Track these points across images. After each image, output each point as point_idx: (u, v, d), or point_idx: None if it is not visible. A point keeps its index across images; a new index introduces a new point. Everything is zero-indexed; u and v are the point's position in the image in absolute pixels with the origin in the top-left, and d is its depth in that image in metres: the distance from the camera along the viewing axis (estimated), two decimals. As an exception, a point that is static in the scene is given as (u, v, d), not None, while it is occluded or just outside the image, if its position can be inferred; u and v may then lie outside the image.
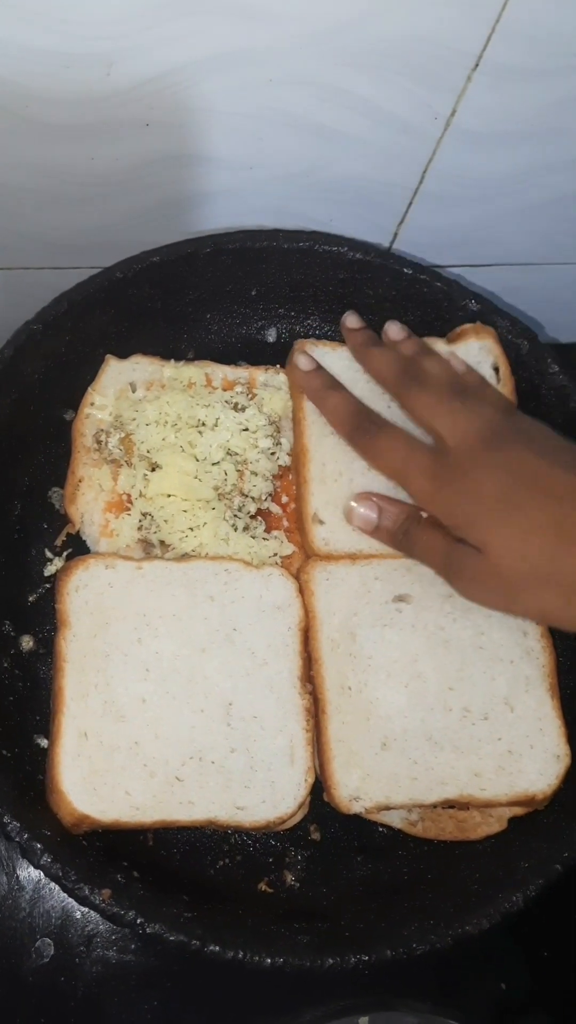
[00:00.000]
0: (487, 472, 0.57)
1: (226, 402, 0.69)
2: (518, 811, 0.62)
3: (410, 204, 0.71)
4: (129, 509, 0.67)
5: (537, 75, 0.58)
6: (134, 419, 0.68)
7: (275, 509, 0.69)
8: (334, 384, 0.67)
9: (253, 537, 0.67)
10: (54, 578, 0.65)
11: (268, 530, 0.68)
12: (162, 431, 0.67)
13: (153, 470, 0.67)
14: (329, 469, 0.67)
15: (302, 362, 0.68)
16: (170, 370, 0.70)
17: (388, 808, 0.61)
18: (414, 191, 0.69)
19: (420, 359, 0.66)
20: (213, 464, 0.67)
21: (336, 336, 0.75)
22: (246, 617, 0.63)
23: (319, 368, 0.68)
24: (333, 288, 0.74)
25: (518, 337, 0.70)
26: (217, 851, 0.63)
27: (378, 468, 0.65)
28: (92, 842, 0.58)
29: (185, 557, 0.65)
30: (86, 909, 0.64)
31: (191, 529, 0.65)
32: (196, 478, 0.66)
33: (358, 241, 0.71)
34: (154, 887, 0.57)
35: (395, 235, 0.75)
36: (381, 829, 0.64)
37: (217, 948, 0.53)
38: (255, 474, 0.68)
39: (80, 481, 0.67)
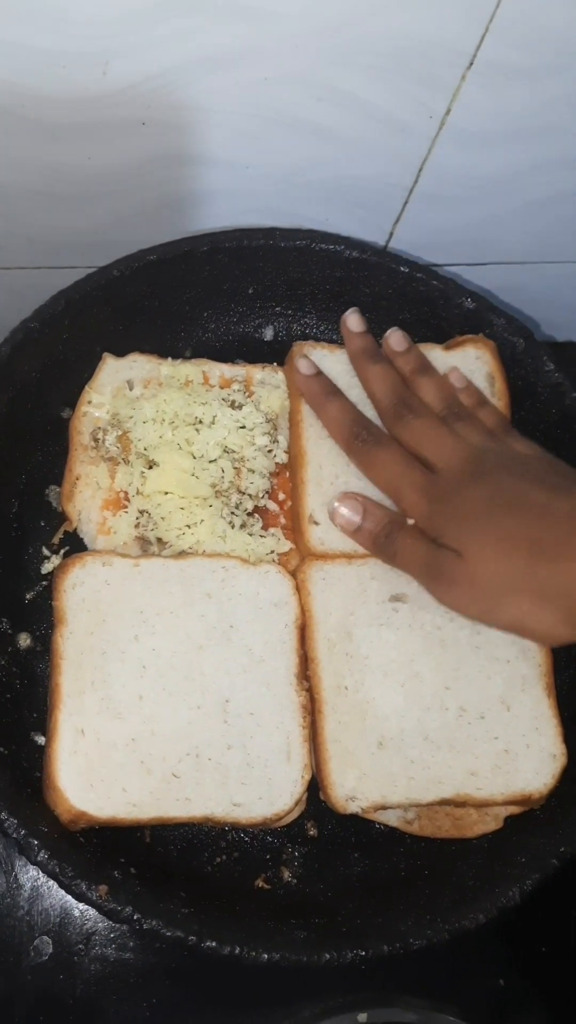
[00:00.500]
0: (471, 492, 0.59)
1: (223, 400, 0.69)
2: (514, 810, 0.63)
3: (406, 203, 0.71)
4: (126, 507, 0.67)
5: (531, 74, 0.58)
6: (131, 417, 0.68)
7: (272, 506, 0.69)
8: (333, 391, 0.68)
9: (250, 534, 0.67)
10: (51, 576, 0.65)
11: (265, 527, 0.68)
12: (159, 429, 0.67)
13: (150, 468, 0.67)
14: (326, 471, 0.67)
15: (302, 366, 0.68)
16: (167, 368, 0.71)
17: (384, 808, 0.61)
18: (410, 190, 0.69)
19: (416, 380, 0.67)
20: (210, 461, 0.67)
21: (333, 335, 0.75)
22: (243, 614, 0.63)
23: (319, 374, 0.68)
24: (330, 286, 0.74)
25: (514, 335, 0.71)
26: (214, 848, 0.63)
27: (373, 480, 0.65)
28: (89, 839, 0.58)
29: (182, 554, 0.65)
30: (85, 907, 0.65)
31: (188, 526, 0.66)
32: (193, 475, 0.66)
33: (354, 240, 0.72)
34: (151, 883, 0.57)
35: (391, 234, 0.75)
36: (378, 826, 0.64)
37: (214, 944, 0.53)
38: (252, 471, 0.68)
39: (77, 479, 0.67)
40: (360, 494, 0.65)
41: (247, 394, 0.71)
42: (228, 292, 0.74)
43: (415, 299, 0.72)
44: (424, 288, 0.72)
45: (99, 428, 0.68)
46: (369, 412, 0.68)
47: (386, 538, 0.63)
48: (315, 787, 0.61)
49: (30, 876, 0.67)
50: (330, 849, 0.64)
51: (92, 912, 0.65)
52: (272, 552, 0.67)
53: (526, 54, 0.57)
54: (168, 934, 0.53)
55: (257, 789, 0.59)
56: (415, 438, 0.64)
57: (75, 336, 0.69)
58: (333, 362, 0.70)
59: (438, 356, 0.70)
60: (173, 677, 0.60)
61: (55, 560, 0.67)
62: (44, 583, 0.67)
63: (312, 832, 0.64)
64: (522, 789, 0.61)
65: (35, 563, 0.68)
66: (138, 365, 0.71)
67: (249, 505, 0.68)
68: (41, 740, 0.61)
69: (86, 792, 0.57)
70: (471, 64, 0.58)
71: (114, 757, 0.58)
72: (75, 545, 0.68)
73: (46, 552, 0.68)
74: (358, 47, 0.56)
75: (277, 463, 0.70)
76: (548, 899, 0.58)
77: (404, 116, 0.62)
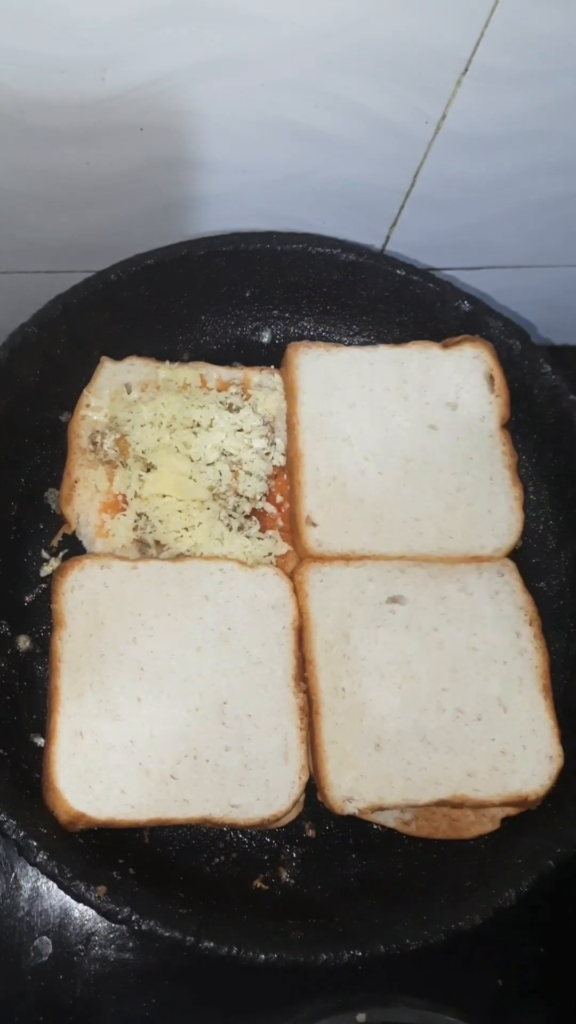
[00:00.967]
0: None
1: (221, 403, 0.70)
2: (511, 811, 0.63)
3: (402, 207, 0.71)
4: (124, 510, 0.67)
5: (526, 79, 0.59)
6: (129, 420, 0.68)
7: (270, 509, 0.69)
8: None
9: (248, 537, 0.67)
10: (50, 578, 0.65)
11: (263, 530, 0.68)
12: (157, 432, 0.68)
13: (148, 471, 0.67)
14: (323, 473, 0.67)
15: None
16: (165, 371, 0.71)
17: (382, 809, 0.61)
18: (406, 194, 0.69)
19: None
20: (208, 464, 0.68)
21: (330, 337, 0.76)
22: (241, 616, 0.63)
23: None
24: (327, 289, 0.74)
25: (510, 337, 0.71)
26: (213, 848, 0.63)
27: None
28: (88, 840, 0.58)
29: (180, 557, 0.65)
30: (84, 907, 0.65)
31: (186, 529, 0.66)
32: (191, 478, 0.67)
33: (351, 243, 0.72)
34: (150, 884, 0.57)
35: (387, 238, 0.75)
36: (375, 827, 0.64)
37: (212, 944, 0.53)
38: (250, 474, 0.68)
39: (76, 482, 0.68)
40: None
41: (244, 397, 0.71)
42: (225, 296, 0.75)
43: (412, 302, 0.73)
44: (421, 291, 0.72)
45: (97, 431, 0.69)
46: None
47: None
48: (313, 788, 0.61)
49: (30, 877, 0.67)
50: (328, 850, 0.64)
51: (92, 913, 0.65)
52: (270, 554, 0.67)
53: (520, 60, 0.57)
54: (166, 934, 0.53)
55: (255, 790, 0.60)
56: None
57: (73, 340, 0.69)
58: (330, 361, 0.70)
59: (437, 355, 0.70)
60: (171, 679, 0.61)
61: (54, 563, 0.68)
62: (43, 586, 0.67)
63: (310, 833, 0.64)
64: (519, 790, 0.61)
65: (34, 566, 0.68)
66: (136, 369, 0.71)
67: (247, 508, 0.68)
68: (40, 742, 0.61)
69: (85, 793, 0.57)
70: (466, 70, 0.58)
71: (112, 759, 0.58)
72: (74, 548, 0.68)
73: (45, 555, 0.68)
74: (354, 53, 0.57)
75: (275, 466, 0.70)
76: (545, 899, 0.58)
77: (400, 121, 0.62)
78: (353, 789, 0.60)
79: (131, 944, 0.66)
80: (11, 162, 0.63)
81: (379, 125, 0.62)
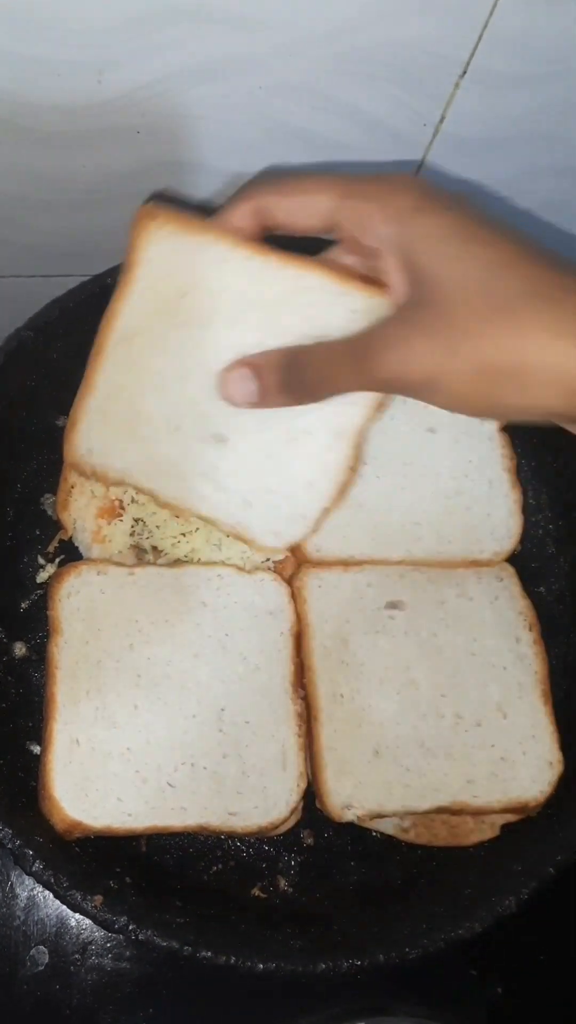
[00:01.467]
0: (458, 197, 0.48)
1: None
2: (511, 818, 0.62)
3: (400, 210, 0.71)
4: (121, 515, 0.67)
5: (524, 82, 0.59)
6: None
7: (268, 514, 0.69)
8: None
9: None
10: (47, 585, 0.65)
11: (260, 535, 0.68)
12: (154, 437, 0.67)
13: (145, 476, 0.67)
14: None
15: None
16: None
17: (381, 816, 0.61)
18: (404, 197, 0.69)
19: None
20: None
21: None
22: (238, 622, 0.63)
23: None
24: (326, 293, 0.74)
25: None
26: (210, 857, 0.63)
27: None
28: (85, 848, 0.58)
29: (177, 563, 0.65)
30: (81, 917, 0.64)
31: (183, 535, 0.66)
32: (188, 484, 0.66)
33: (349, 247, 0.71)
34: (147, 893, 0.57)
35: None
36: (374, 834, 0.64)
37: (209, 953, 0.53)
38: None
39: (72, 487, 0.67)
40: (244, 357, 0.54)
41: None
42: (223, 300, 0.74)
43: (410, 306, 0.72)
44: (419, 295, 0.72)
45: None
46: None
47: (298, 380, 0.51)
48: (311, 795, 0.61)
49: (26, 886, 0.67)
50: (326, 857, 0.63)
51: (88, 922, 0.65)
52: (267, 560, 0.67)
53: (519, 63, 0.57)
54: (164, 944, 0.53)
55: (253, 798, 0.59)
56: None
57: (70, 344, 0.68)
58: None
59: None
60: (168, 686, 0.60)
61: (50, 569, 0.67)
62: (39, 592, 0.67)
63: (308, 841, 0.64)
64: (519, 797, 0.61)
65: (30, 572, 0.68)
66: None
67: (245, 513, 0.68)
68: (36, 750, 0.61)
69: (81, 802, 0.57)
70: (464, 72, 0.58)
71: (109, 767, 0.58)
72: (70, 554, 0.68)
73: (41, 561, 0.68)
74: (352, 56, 0.57)
75: (273, 471, 0.70)
76: (545, 907, 0.58)
77: (398, 124, 0.62)
78: (352, 796, 0.60)
79: (128, 953, 0.66)
80: (6, 165, 0.62)
81: (377, 128, 0.62)
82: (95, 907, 0.53)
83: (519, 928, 0.65)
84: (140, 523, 0.66)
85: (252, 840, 0.63)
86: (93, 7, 0.51)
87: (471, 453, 0.69)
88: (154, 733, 0.59)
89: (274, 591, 0.64)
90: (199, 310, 0.55)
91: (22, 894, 0.67)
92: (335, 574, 0.65)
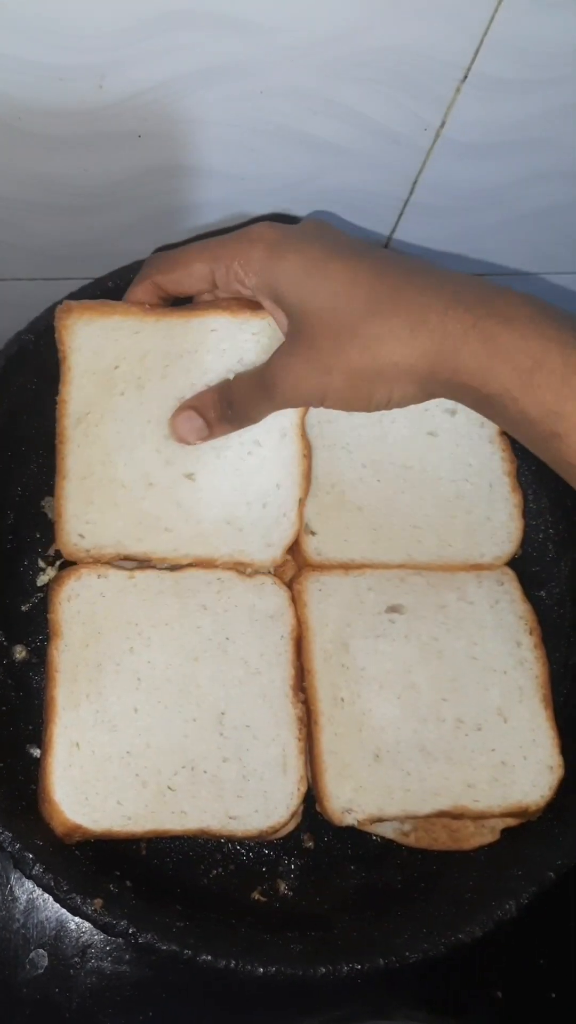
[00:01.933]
0: (306, 235, 0.57)
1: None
2: (511, 822, 0.62)
3: (400, 215, 0.71)
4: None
5: (525, 86, 0.59)
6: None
7: (268, 518, 0.69)
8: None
9: (246, 546, 0.67)
10: (47, 588, 0.65)
11: (261, 539, 0.68)
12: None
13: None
14: (321, 481, 0.67)
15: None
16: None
17: (381, 820, 0.61)
18: (404, 202, 0.69)
19: None
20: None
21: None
22: (239, 626, 0.63)
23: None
24: (326, 297, 0.74)
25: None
26: (210, 860, 0.63)
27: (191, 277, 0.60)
28: (84, 852, 0.58)
29: (177, 567, 0.65)
30: (80, 920, 0.64)
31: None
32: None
33: (350, 251, 0.71)
34: (147, 896, 0.57)
35: (386, 246, 0.75)
36: (375, 838, 0.63)
37: (209, 957, 0.53)
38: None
39: (73, 490, 0.67)
40: (187, 402, 0.62)
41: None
42: (224, 303, 0.74)
43: (411, 309, 0.72)
44: (420, 298, 0.72)
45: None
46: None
47: (229, 408, 0.60)
48: (311, 799, 0.61)
49: (25, 889, 0.67)
50: (326, 861, 0.63)
51: (88, 925, 0.65)
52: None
53: (520, 67, 0.57)
54: (163, 948, 0.53)
55: (253, 802, 0.59)
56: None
57: (71, 348, 0.69)
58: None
59: None
60: (168, 690, 0.60)
61: (51, 572, 0.67)
62: (40, 595, 0.67)
63: (308, 844, 0.64)
64: (519, 801, 0.61)
65: (31, 575, 0.68)
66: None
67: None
68: (36, 753, 0.61)
69: (81, 805, 0.57)
70: (466, 77, 0.58)
71: (109, 770, 0.58)
72: (70, 557, 0.68)
73: (41, 564, 0.68)
74: (353, 60, 0.57)
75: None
76: (546, 911, 0.58)
77: (399, 128, 0.62)
78: (352, 800, 0.60)
79: (128, 957, 0.66)
80: (8, 169, 0.62)
81: (378, 132, 0.62)
82: (95, 910, 0.53)
83: (519, 932, 0.66)
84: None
85: (252, 844, 0.63)
86: (95, 12, 0.51)
87: (471, 457, 0.69)
88: (154, 737, 0.59)
89: (274, 594, 0.64)
90: (132, 375, 0.63)
91: (22, 897, 0.67)
92: (335, 578, 0.65)
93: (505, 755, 0.62)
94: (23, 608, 0.67)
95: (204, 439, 0.62)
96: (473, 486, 0.68)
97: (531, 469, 0.72)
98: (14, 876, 0.67)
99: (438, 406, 0.70)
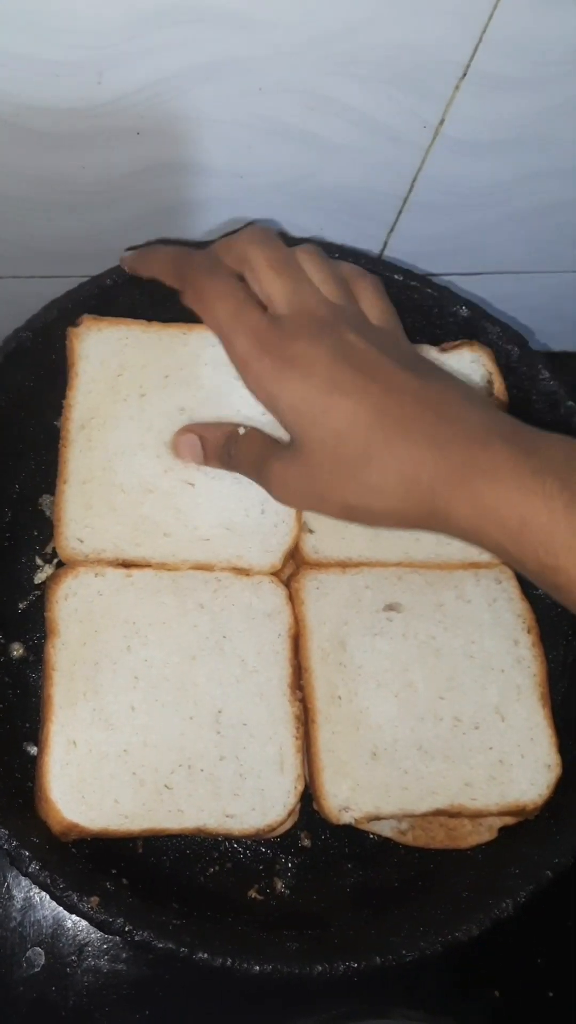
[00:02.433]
0: (313, 345, 0.53)
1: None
2: (509, 821, 0.62)
3: (400, 212, 0.71)
4: (120, 516, 0.67)
5: (524, 84, 0.58)
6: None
7: (266, 516, 0.69)
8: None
9: (243, 544, 0.67)
10: (44, 586, 0.65)
11: (259, 537, 0.68)
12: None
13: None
14: None
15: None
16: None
17: (378, 818, 0.61)
18: (404, 199, 0.69)
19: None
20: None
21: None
22: (236, 625, 0.63)
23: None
24: (324, 295, 0.74)
25: (508, 343, 0.71)
26: (207, 858, 0.62)
27: (203, 318, 0.57)
28: (81, 850, 0.58)
29: (174, 565, 0.64)
30: (77, 918, 0.64)
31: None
32: (187, 485, 0.67)
33: (349, 248, 0.71)
34: (144, 895, 0.57)
35: (385, 243, 0.75)
36: (372, 836, 0.63)
37: (206, 955, 0.53)
38: (245, 481, 0.68)
39: (71, 488, 0.67)
40: (195, 423, 0.64)
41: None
42: (222, 301, 0.74)
43: (410, 307, 0.72)
44: (418, 296, 0.72)
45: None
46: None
47: (227, 452, 0.62)
48: (308, 798, 0.61)
49: (22, 887, 0.67)
50: (323, 860, 0.63)
51: (85, 923, 0.65)
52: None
53: (519, 65, 0.57)
54: (160, 946, 0.53)
55: (250, 800, 0.59)
56: (255, 270, 0.56)
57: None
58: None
59: (434, 358, 0.70)
60: (165, 688, 0.60)
61: (48, 570, 0.67)
62: (37, 593, 0.67)
63: (305, 843, 0.64)
64: (517, 800, 0.61)
65: (28, 573, 0.67)
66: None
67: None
68: (33, 751, 0.61)
69: (78, 803, 0.57)
70: (464, 74, 0.58)
71: (106, 768, 0.58)
72: (68, 554, 0.67)
73: (39, 562, 0.68)
74: (353, 57, 0.56)
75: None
76: (543, 910, 0.58)
77: (398, 126, 0.62)
78: (349, 798, 0.60)
79: (125, 955, 0.66)
80: (5, 166, 0.62)
81: (377, 130, 0.62)
82: (92, 908, 0.53)
83: (517, 931, 0.66)
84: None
85: (249, 842, 0.63)
86: (93, 7, 0.51)
87: (470, 455, 0.69)
88: (151, 735, 0.59)
89: (272, 593, 0.64)
90: (134, 383, 0.66)
91: (18, 895, 0.67)
92: (333, 576, 0.65)
93: (503, 754, 0.62)
94: (20, 606, 0.67)
95: (199, 464, 0.64)
96: (471, 485, 0.68)
97: (530, 468, 0.72)
98: (11, 874, 0.67)
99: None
